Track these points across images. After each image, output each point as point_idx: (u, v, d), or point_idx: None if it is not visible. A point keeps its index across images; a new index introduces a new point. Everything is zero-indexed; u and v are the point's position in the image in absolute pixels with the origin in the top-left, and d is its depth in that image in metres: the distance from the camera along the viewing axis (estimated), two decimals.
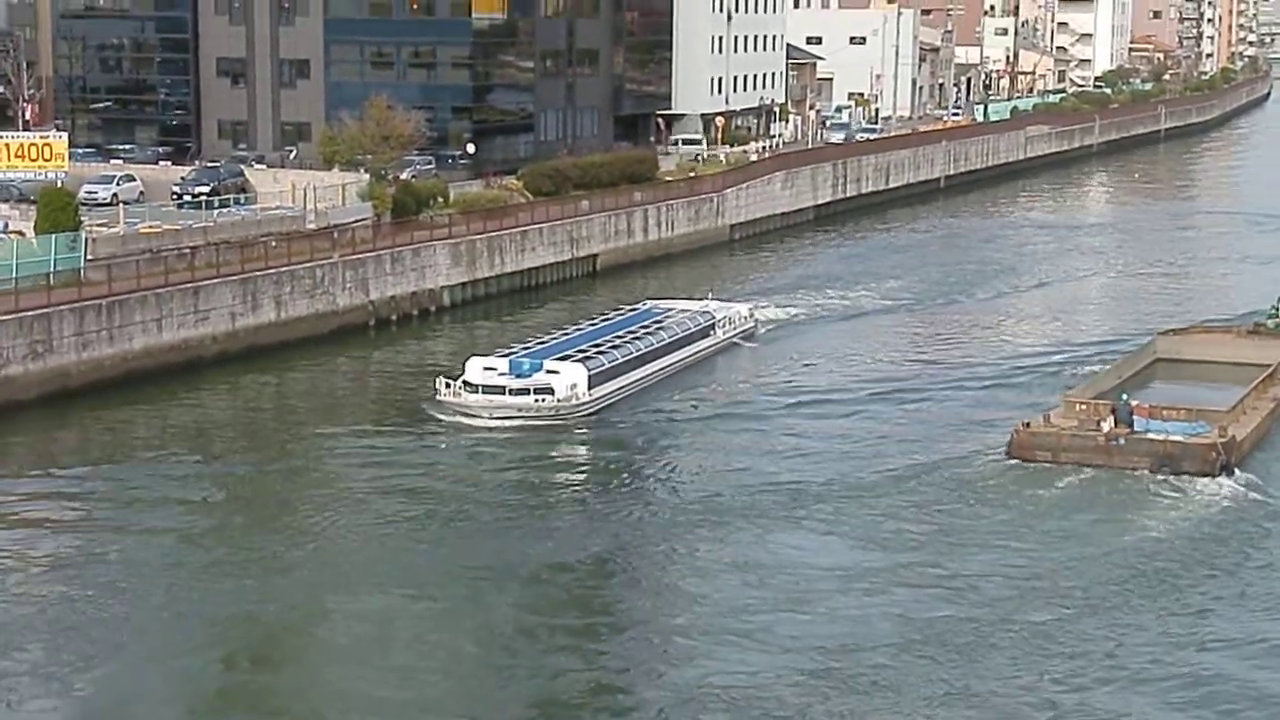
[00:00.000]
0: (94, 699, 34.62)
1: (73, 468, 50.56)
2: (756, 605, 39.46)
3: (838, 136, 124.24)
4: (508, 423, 54.90)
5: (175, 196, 77.75)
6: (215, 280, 64.12)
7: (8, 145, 69.28)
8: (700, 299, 72.61)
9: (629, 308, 69.82)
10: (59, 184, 66.89)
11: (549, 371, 57.00)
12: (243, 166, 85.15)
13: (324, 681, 35.64)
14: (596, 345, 60.47)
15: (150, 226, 67.94)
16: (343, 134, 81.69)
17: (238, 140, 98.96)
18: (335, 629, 38.57)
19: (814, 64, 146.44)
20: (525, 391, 55.96)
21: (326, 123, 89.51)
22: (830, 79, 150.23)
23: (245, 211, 73.99)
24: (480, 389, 55.99)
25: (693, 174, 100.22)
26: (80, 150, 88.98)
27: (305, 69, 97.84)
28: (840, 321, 76.24)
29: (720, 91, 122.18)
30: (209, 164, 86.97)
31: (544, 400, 55.86)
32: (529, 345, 60.83)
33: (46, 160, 68.78)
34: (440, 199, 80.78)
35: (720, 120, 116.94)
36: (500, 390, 55.91)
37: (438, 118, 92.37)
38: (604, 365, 58.48)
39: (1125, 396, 53.05)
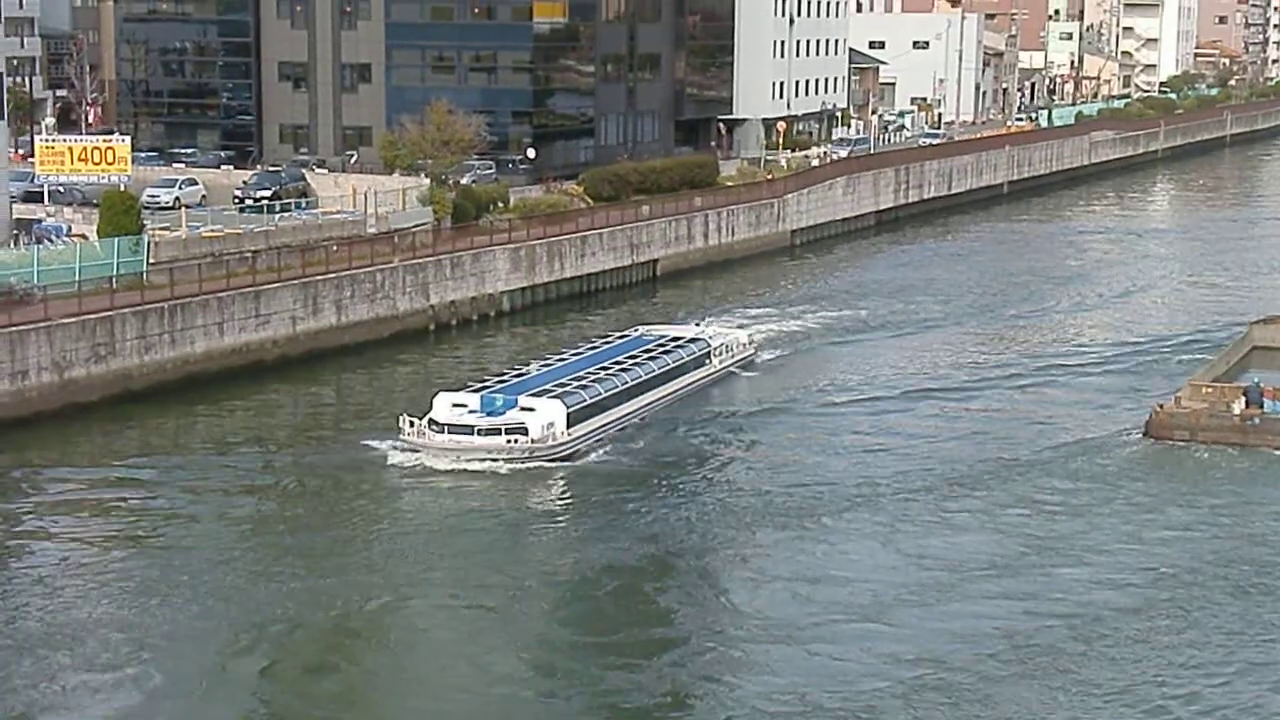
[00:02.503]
0: (157, 667, 34.72)
1: (135, 466, 50.64)
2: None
3: (843, 152, 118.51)
4: (477, 465, 49.96)
5: (237, 200, 77.95)
6: (276, 284, 64.11)
7: (71, 149, 69.60)
8: (695, 324, 68.09)
9: (618, 335, 64.80)
10: (122, 187, 67.08)
11: (524, 409, 51.79)
12: (304, 171, 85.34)
13: (381, 679, 35.39)
14: (578, 379, 55.31)
15: (212, 230, 68.06)
16: (403, 138, 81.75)
17: (299, 144, 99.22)
18: (389, 628, 38.34)
19: (876, 68, 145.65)
20: (496, 431, 50.68)
21: (387, 127, 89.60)
22: (893, 84, 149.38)
23: (306, 215, 74.07)
24: (447, 429, 50.79)
25: (768, 178, 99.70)
26: (143, 154, 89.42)
27: (366, 73, 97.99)
28: (909, 329, 75.39)
29: (782, 96, 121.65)
30: (270, 168, 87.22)
31: (516, 441, 50.56)
32: (505, 378, 55.42)
33: (109, 164, 69.07)
34: (500, 204, 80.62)
35: (781, 125, 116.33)
36: (468, 430, 50.60)
37: (498, 122, 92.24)
38: (585, 401, 53.39)
39: (1257, 380, 57.06)
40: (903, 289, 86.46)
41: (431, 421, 51.15)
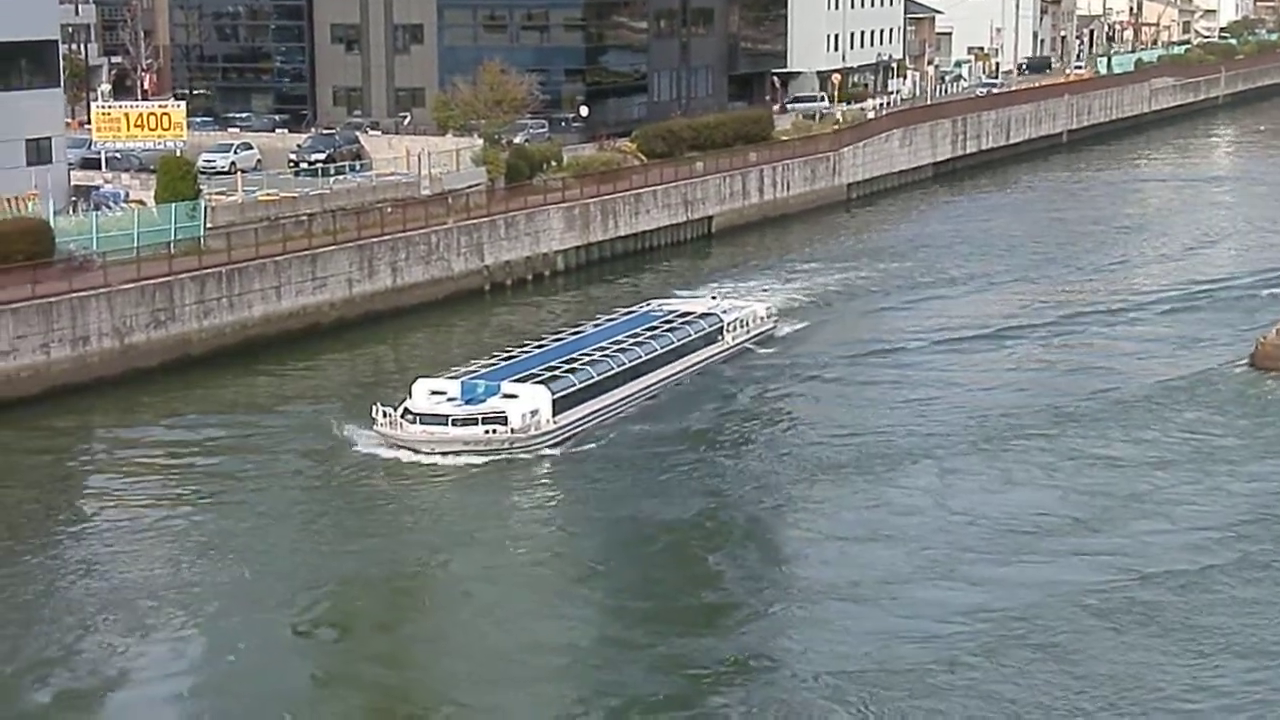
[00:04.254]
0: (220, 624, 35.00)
1: (194, 429, 51.02)
2: None
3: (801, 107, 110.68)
4: (454, 459, 46.74)
5: (292, 164, 78.20)
6: (332, 247, 64.33)
7: (127, 115, 69.97)
8: (712, 296, 65.75)
9: (624, 311, 61.12)
10: (178, 153, 67.40)
11: (505, 396, 48.48)
12: (358, 133, 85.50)
13: (434, 640, 35.56)
14: (570, 361, 51.92)
15: (268, 194, 68.32)
16: (456, 99, 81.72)
17: (352, 107, 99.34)
18: (440, 591, 38.59)
19: (932, 18, 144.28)
20: (473, 421, 47.27)
21: (440, 88, 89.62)
22: (949, 33, 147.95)
23: (361, 178, 74.21)
24: (419, 419, 47.52)
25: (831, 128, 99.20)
26: (198, 119, 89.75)
27: (419, 34, 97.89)
28: (971, 283, 75.01)
29: (837, 49, 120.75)
30: (324, 131, 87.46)
31: (495, 431, 47.22)
32: (493, 362, 52.16)
33: (165, 129, 69.37)
34: (554, 162, 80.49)
35: (836, 78, 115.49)
36: (443, 421, 47.35)
37: (551, 81, 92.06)
38: (574, 386, 50.01)
39: None
40: (962, 241, 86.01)
41: (406, 411, 47.98)
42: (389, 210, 68.41)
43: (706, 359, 57.68)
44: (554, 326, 61.17)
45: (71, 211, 63.03)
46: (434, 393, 49.03)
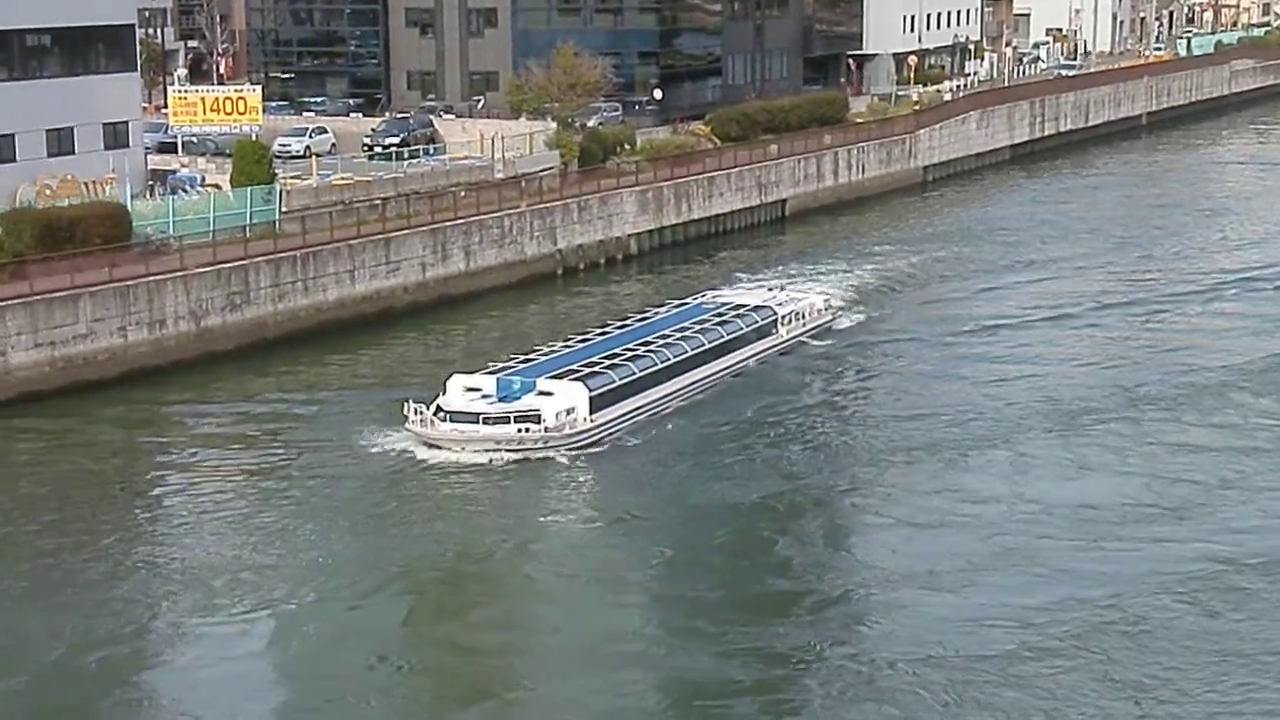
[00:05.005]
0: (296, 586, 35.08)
1: (270, 411, 51.33)
2: None
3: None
4: (484, 458, 45.24)
5: (366, 148, 78.31)
6: (406, 231, 64.38)
7: (203, 99, 70.28)
8: (769, 288, 63.09)
9: (675, 304, 59.45)
10: (253, 137, 67.63)
11: (541, 393, 46.95)
12: (431, 117, 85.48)
13: (500, 626, 35.44)
14: (612, 356, 50.22)
15: (342, 178, 68.45)
16: (530, 82, 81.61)
17: (426, 91, 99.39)
18: (505, 577, 38.42)
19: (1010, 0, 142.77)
20: (505, 420, 45.78)
21: (514, 71, 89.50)
22: (1027, 15, 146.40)
23: (434, 162, 74.22)
24: (451, 417, 46.08)
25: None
26: (273, 103, 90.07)
27: (493, 18, 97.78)
28: (1050, 266, 74.23)
29: (913, 30, 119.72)
30: (399, 115, 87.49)
31: (528, 430, 45.68)
32: (532, 357, 50.77)
33: (241, 114, 69.64)
34: (627, 146, 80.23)
35: (913, 60, 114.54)
36: (474, 419, 45.85)
37: (624, 64, 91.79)
38: (614, 383, 48.28)
39: None
40: (1039, 224, 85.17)
41: (439, 409, 46.64)
42: (462, 194, 68.39)
43: (758, 353, 55.72)
44: (623, 312, 60.79)
45: (148, 195, 63.45)
46: (468, 389, 47.59)
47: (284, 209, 62.67)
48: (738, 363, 54.49)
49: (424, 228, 65.08)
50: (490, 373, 48.74)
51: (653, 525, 41.50)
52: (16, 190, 59.76)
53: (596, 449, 46.57)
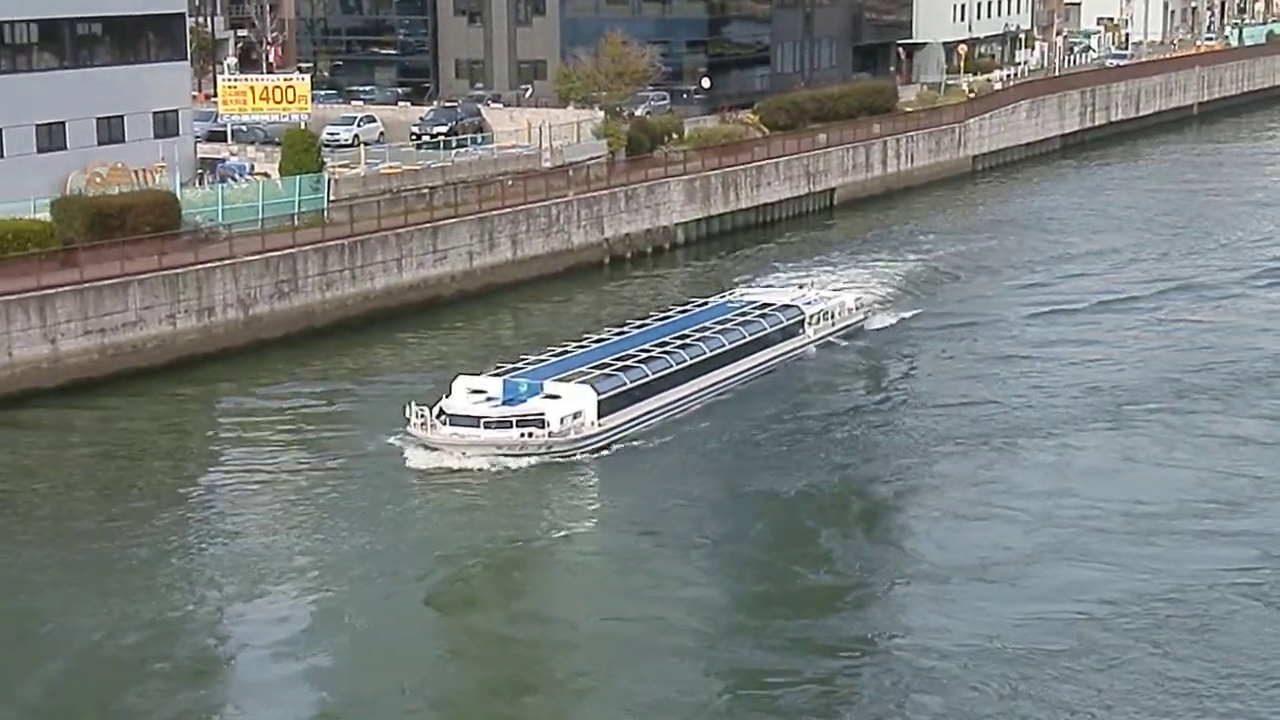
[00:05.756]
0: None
1: (316, 397, 51.64)
2: None
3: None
4: (485, 463, 43.78)
5: (414, 137, 78.46)
6: (453, 220, 64.43)
7: (253, 88, 70.55)
8: (799, 285, 61.39)
9: (698, 303, 57.64)
10: (302, 125, 67.82)
11: (547, 396, 45.57)
12: (479, 106, 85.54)
13: (541, 615, 35.44)
14: (625, 358, 48.71)
15: (390, 167, 68.55)
16: (578, 71, 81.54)
17: (474, 79, 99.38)
18: (549, 565, 38.42)
19: None
20: (507, 424, 44.35)
21: (562, 60, 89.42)
22: (1078, 3, 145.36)
23: (482, 151, 74.26)
24: (452, 420, 44.65)
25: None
26: (322, 92, 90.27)
27: (541, 6, 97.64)
28: (1107, 256, 73.59)
29: (963, 19, 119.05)
30: (447, 104, 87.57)
31: (531, 435, 44.26)
32: (543, 358, 49.18)
33: (290, 102, 69.88)
34: (675, 135, 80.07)
35: (963, 48, 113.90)
36: (475, 423, 44.41)
37: (672, 52, 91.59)
38: (624, 385, 46.82)
39: None
40: (1089, 214, 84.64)
41: (441, 411, 45.18)
42: (510, 183, 68.40)
43: (783, 354, 53.94)
44: (668, 302, 60.53)
45: (197, 183, 63.70)
46: (473, 391, 46.18)
47: (332, 197, 62.81)
48: (761, 364, 52.70)
49: (471, 217, 65.12)
50: (496, 374, 47.26)
51: (683, 523, 40.72)
52: (67, 178, 60.13)
53: (604, 454, 45.09)
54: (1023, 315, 61.64)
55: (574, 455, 44.63)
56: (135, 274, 53.55)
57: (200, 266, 55.39)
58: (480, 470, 43.44)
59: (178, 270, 54.70)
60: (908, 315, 61.45)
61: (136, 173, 61.61)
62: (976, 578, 36.85)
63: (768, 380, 52.21)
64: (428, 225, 63.30)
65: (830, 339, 56.43)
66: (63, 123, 61.30)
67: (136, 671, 32.48)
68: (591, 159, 73.61)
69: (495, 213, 66.11)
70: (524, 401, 45.46)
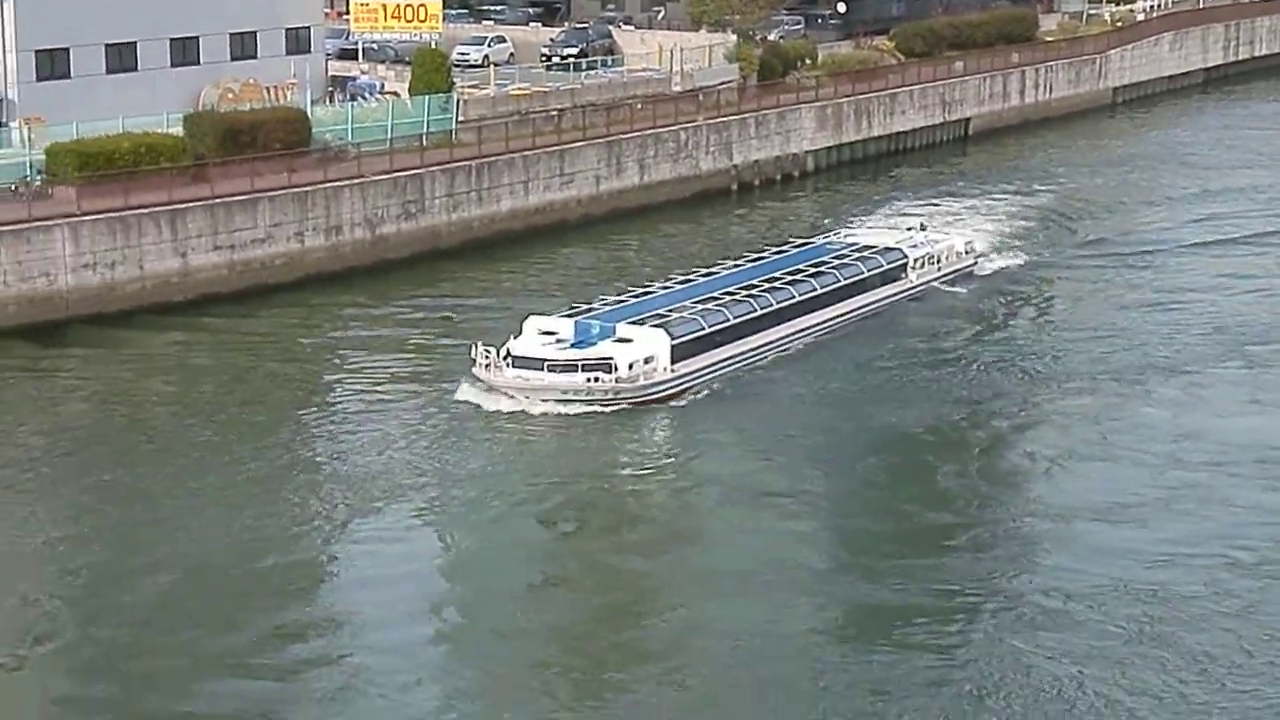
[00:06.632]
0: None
1: (441, 314, 51.92)
2: None
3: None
4: (548, 408, 42.11)
5: (544, 58, 78.12)
6: (581, 143, 64.13)
7: (384, 6, 70.44)
8: (909, 228, 57.78)
9: (796, 244, 55.06)
10: (433, 45, 67.72)
11: (618, 340, 43.54)
12: (610, 28, 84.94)
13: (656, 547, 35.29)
14: (705, 301, 46.61)
15: (519, 88, 68.31)
16: None
17: (606, 1, 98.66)
18: (658, 505, 38.13)
19: None
20: (572, 368, 42.48)
21: None
22: None
23: (612, 73, 73.76)
24: (516, 362, 42.76)
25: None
26: (453, 11, 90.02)
27: None
28: (1246, 193, 71.74)
29: None
30: (578, 25, 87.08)
31: (598, 380, 42.33)
32: (621, 299, 47.28)
33: (421, 21, 69.78)
34: (808, 60, 79.03)
35: None
36: (539, 365, 42.55)
37: None
38: (701, 330, 44.66)
39: None
40: (1229, 149, 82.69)
41: (508, 353, 43.27)
42: (639, 106, 67.95)
43: (881, 300, 51.55)
44: (793, 233, 59.76)
45: (328, 101, 63.90)
46: (544, 333, 44.20)
47: (460, 118, 62.75)
48: (857, 309, 50.42)
49: (599, 140, 64.77)
50: (569, 315, 45.22)
51: (786, 463, 39.73)
52: (200, 93, 60.57)
53: (676, 402, 43.34)
54: (1154, 252, 60.37)
55: (643, 402, 42.84)
56: (265, 191, 53.92)
57: (329, 185, 55.63)
58: (542, 415, 41.69)
59: (306, 188, 54.99)
60: (1031, 253, 60.12)
61: (268, 89, 61.93)
62: (1102, 519, 36.14)
63: (864, 326, 50.31)
64: (555, 148, 63.07)
65: (936, 284, 54.06)
66: (196, 37, 61.68)
67: (246, 585, 32.82)
68: (722, 84, 72.90)
69: (623, 136, 65.71)
70: (593, 344, 43.56)
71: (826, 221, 63.99)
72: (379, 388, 44.80)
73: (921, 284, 53.49)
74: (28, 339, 47.70)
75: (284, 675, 29.35)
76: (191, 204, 52.14)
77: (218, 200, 52.72)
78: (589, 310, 45.90)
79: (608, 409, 42.36)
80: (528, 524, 36.37)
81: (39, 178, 51.91)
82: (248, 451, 39.65)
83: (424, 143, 60.62)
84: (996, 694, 28.50)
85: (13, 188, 51.18)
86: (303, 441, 40.89)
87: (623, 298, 47.61)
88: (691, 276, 50.30)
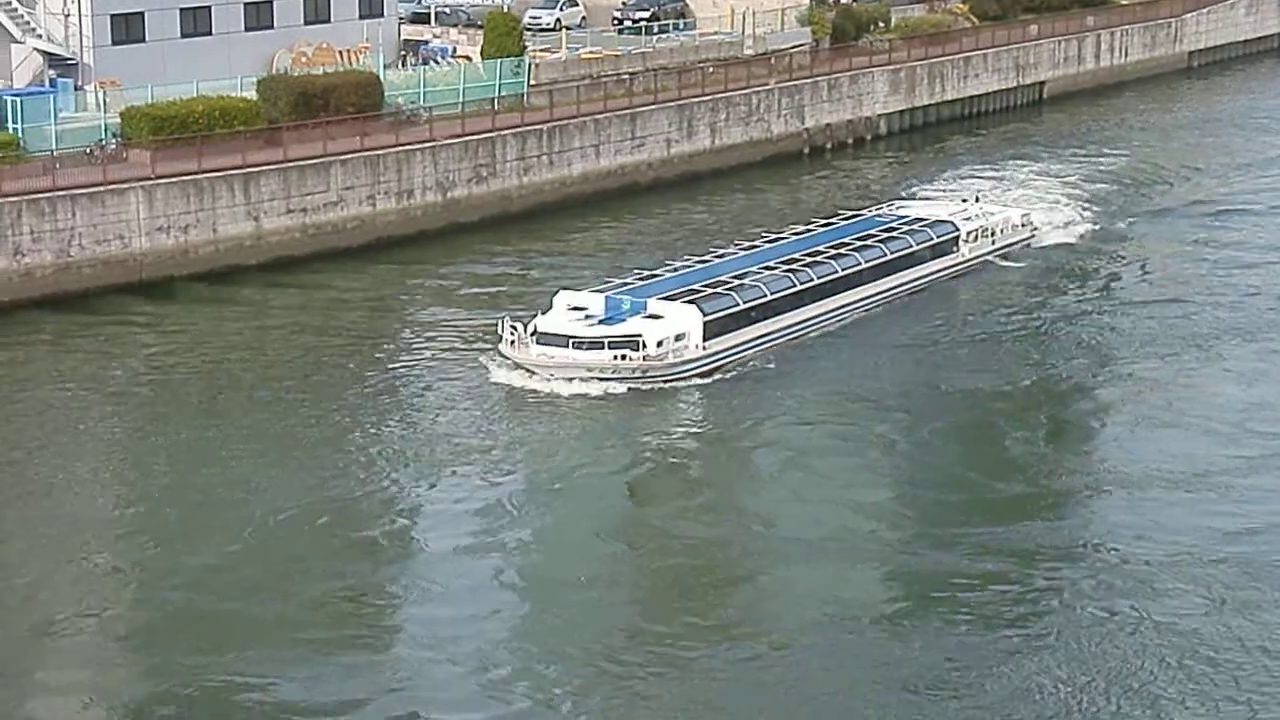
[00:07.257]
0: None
1: (512, 277, 52.07)
2: None
3: None
4: (575, 387, 41.10)
5: (616, 21, 77.89)
6: (652, 107, 64.00)
7: None
8: (964, 200, 57.14)
9: (845, 217, 53.61)
10: (505, 9, 67.70)
11: (649, 316, 42.33)
12: None
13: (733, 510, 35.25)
14: (744, 276, 45.30)
15: (591, 52, 68.18)
16: None
17: None
18: (720, 471, 38.07)
19: None
20: (599, 344, 41.30)
21: None
22: None
23: (684, 37, 73.49)
24: (543, 339, 41.77)
25: None
26: None
27: None
28: None
29: None
30: None
31: (626, 357, 41.16)
32: (656, 273, 46.20)
33: None
34: (881, 23, 78.50)
35: None
36: (565, 342, 41.46)
37: None
38: (735, 306, 43.37)
39: None
40: None
41: (535, 329, 42.34)
42: (710, 70, 67.69)
43: (931, 274, 50.06)
44: (864, 198, 59.32)
45: (400, 65, 64.01)
46: (573, 308, 43.16)
47: (532, 82, 62.72)
48: (904, 284, 48.91)
49: (671, 103, 64.62)
50: (599, 290, 44.19)
51: (840, 432, 39.51)
52: (274, 57, 60.81)
53: (706, 380, 42.20)
54: (1227, 215, 59.65)
55: (674, 380, 41.79)
56: (337, 154, 54.16)
57: (401, 148, 55.79)
58: (568, 395, 40.80)
59: (378, 152, 55.18)
60: (1100, 220, 59.31)
61: (341, 53, 62.10)
62: (1178, 486, 35.89)
63: (910, 302, 49.05)
64: (626, 112, 62.99)
65: (990, 258, 52.70)
66: (270, 2, 61.87)
67: (314, 544, 33.03)
68: (795, 47, 72.52)
69: (695, 100, 65.52)
70: (622, 321, 42.39)
71: (897, 186, 63.63)
72: (447, 351, 44.83)
73: (974, 258, 52.10)
74: (98, 302, 48.17)
75: (370, 637, 29.48)
76: (264, 167, 52.46)
77: (290, 164, 53.00)
78: (623, 284, 44.95)
79: (643, 387, 41.34)
80: (585, 492, 36.20)
81: (114, 141, 52.36)
82: (319, 412, 39.96)
83: (495, 106, 60.66)
84: (1077, 665, 28.31)
85: (88, 151, 51.64)
86: (374, 402, 41.01)
87: (658, 271, 46.61)
88: (731, 250, 49.31)
